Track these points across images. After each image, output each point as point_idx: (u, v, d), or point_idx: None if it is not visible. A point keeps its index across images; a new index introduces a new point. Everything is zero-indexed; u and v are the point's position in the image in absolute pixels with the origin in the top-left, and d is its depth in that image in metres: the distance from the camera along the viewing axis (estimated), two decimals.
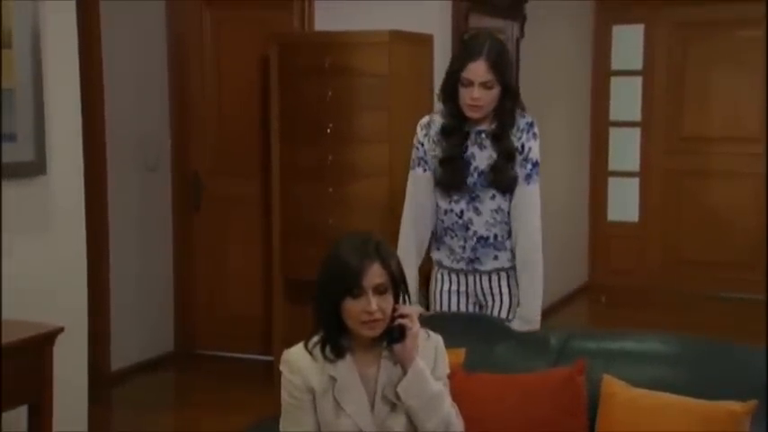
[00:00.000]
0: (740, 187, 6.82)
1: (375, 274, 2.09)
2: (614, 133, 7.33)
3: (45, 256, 3.40)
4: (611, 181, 7.38)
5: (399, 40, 4.44)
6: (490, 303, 3.09)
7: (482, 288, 3.09)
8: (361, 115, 4.44)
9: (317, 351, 2.14)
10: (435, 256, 3.15)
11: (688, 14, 6.99)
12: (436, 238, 3.11)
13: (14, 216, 3.27)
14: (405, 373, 2.13)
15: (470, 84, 2.92)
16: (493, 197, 3.00)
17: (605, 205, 7.40)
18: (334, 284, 2.11)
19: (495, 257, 3.05)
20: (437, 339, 2.23)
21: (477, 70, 2.90)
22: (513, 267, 3.06)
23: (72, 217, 3.53)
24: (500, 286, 3.08)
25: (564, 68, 6.76)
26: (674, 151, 7.14)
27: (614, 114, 7.31)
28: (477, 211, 3.01)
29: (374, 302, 2.08)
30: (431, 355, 2.19)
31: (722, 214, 6.92)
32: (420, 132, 3.07)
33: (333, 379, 2.13)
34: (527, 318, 3.01)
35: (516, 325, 2.97)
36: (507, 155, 2.97)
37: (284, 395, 2.17)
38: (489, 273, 3.07)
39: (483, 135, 2.99)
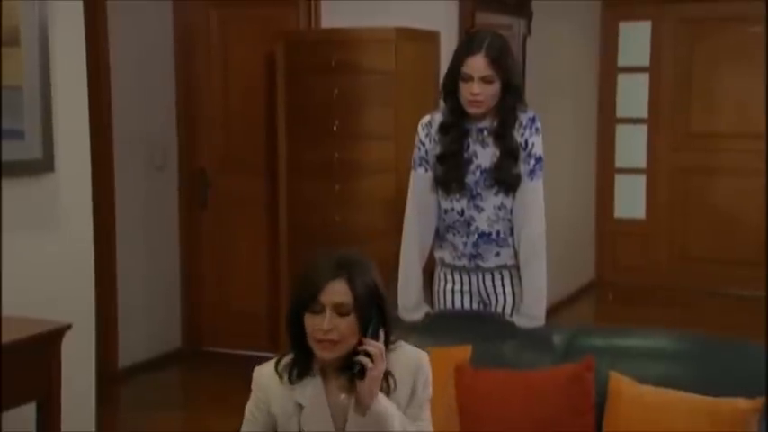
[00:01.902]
0: (748, 184, 6.80)
1: (337, 292, 1.97)
2: (621, 130, 7.31)
3: (52, 253, 3.41)
4: (618, 178, 7.37)
5: (406, 37, 4.44)
6: (493, 302, 3.08)
7: (485, 286, 3.08)
8: (368, 112, 4.44)
9: (286, 375, 2.04)
10: (438, 254, 3.14)
11: (695, 11, 6.97)
12: (439, 237, 3.10)
13: (22, 214, 3.28)
14: (363, 414, 1.98)
15: (470, 78, 2.90)
16: (496, 194, 2.99)
17: (612, 202, 7.39)
18: (297, 297, 2.01)
19: (497, 254, 3.04)
20: (419, 358, 2.08)
21: (477, 65, 2.89)
22: (516, 265, 3.05)
23: (79, 215, 3.54)
24: (503, 285, 3.06)
25: (571, 65, 6.74)
26: (681, 148, 7.12)
27: (621, 111, 7.29)
28: (479, 209, 3.00)
29: (328, 321, 1.95)
30: (409, 372, 2.04)
31: (730, 211, 6.90)
32: (421, 132, 3.06)
33: (299, 406, 2.02)
34: (531, 314, 3.00)
35: (520, 321, 2.96)
36: (510, 153, 2.95)
37: (248, 406, 2.10)
38: (492, 271, 3.06)
39: (485, 133, 2.97)
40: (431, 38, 4.64)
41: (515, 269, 3.05)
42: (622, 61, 7.27)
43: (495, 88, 2.92)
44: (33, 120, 3.28)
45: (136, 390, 4.89)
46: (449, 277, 3.11)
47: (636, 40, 7.20)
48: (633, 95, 7.22)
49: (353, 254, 2.05)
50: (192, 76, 5.30)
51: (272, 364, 2.08)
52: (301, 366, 2.03)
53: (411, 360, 2.07)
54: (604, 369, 2.44)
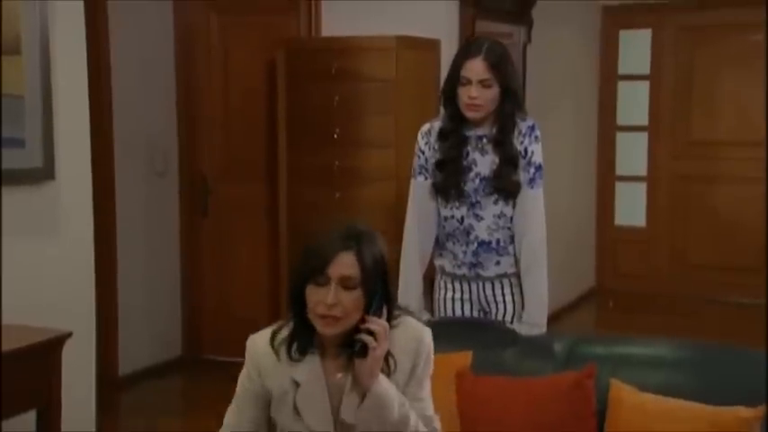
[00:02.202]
0: (748, 191, 6.80)
1: (345, 265, 1.88)
2: (621, 138, 7.32)
3: (53, 260, 3.41)
4: (619, 185, 7.37)
5: (406, 45, 4.44)
6: (494, 310, 3.08)
7: (485, 295, 3.08)
8: (368, 120, 4.44)
9: (283, 350, 1.95)
10: (438, 262, 3.14)
11: (695, 19, 6.98)
12: (439, 245, 3.10)
13: (23, 221, 3.28)
14: (363, 396, 1.90)
15: (468, 82, 2.91)
16: (496, 202, 2.99)
17: (612, 210, 7.39)
18: (301, 268, 1.92)
19: (498, 263, 3.04)
20: (422, 333, 2.00)
21: (475, 68, 2.90)
22: (516, 274, 3.05)
23: (80, 222, 3.54)
24: (503, 293, 3.07)
25: (571, 73, 6.75)
26: (681, 155, 7.12)
27: (621, 119, 7.30)
28: (478, 218, 3.00)
29: (333, 294, 1.86)
30: (410, 348, 1.97)
31: (730, 218, 6.90)
32: (421, 140, 3.07)
33: (295, 383, 1.94)
34: (532, 322, 3.00)
35: (521, 329, 2.97)
36: (510, 160, 2.95)
37: (240, 377, 2.03)
38: (492, 280, 3.06)
39: (484, 140, 2.98)
40: (431, 46, 4.64)
41: (516, 278, 3.05)
42: (623, 69, 7.28)
43: (493, 92, 2.92)
44: (34, 128, 3.29)
45: (136, 397, 4.88)
46: (449, 285, 3.11)
47: (636, 47, 7.21)
48: (633, 103, 7.23)
49: (362, 225, 1.97)
50: (193, 83, 5.30)
51: (266, 335, 1.99)
52: (300, 342, 1.94)
53: (413, 336, 1.99)
54: (605, 377, 2.44)
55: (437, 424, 2.03)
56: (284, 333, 1.98)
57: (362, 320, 1.90)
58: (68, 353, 3.00)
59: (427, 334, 2.02)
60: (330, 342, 1.95)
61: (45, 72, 3.30)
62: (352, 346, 1.90)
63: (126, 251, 4.93)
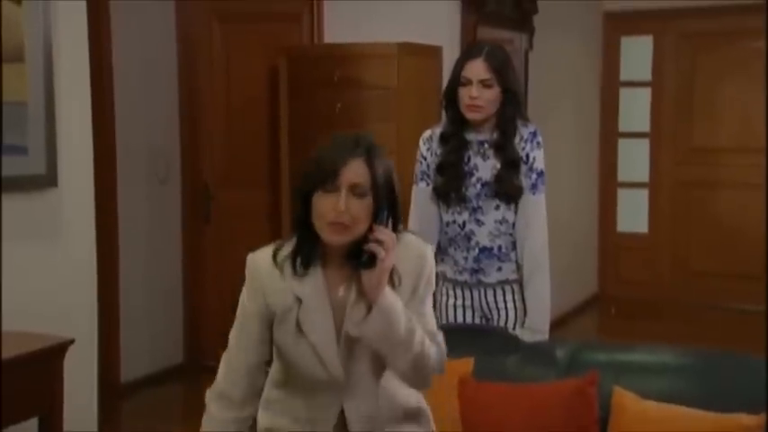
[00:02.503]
0: (750, 198, 6.79)
1: (355, 172, 1.84)
2: (623, 144, 7.33)
3: (55, 267, 3.41)
4: (621, 192, 7.37)
5: (408, 52, 4.45)
6: (495, 317, 3.07)
7: (487, 302, 3.08)
8: (370, 127, 4.44)
9: (287, 266, 1.92)
10: (439, 268, 3.13)
11: (696, 25, 6.99)
12: (440, 251, 3.10)
13: (25, 228, 3.29)
14: (369, 308, 1.85)
15: (469, 82, 2.92)
16: (497, 208, 2.99)
17: (615, 216, 7.39)
18: (311, 175, 1.88)
19: (499, 269, 3.04)
20: (424, 250, 1.97)
21: (476, 68, 2.92)
22: (518, 280, 3.05)
23: (82, 229, 3.55)
24: (505, 300, 3.06)
25: (573, 80, 6.76)
26: (683, 162, 7.12)
27: (623, 125, 7.31)
28: (480, 223, 3.00)
29: (344, 201, 1.82)
30: (412, 265, 1.94)
31: (732, 225, 6.89)
32: (423, 146, 3.07)
33: (298, 300, 1.90)
34: (535, 328, 3.00)
35: (524, 335, 2.97)
36: (511, 163, 2.96)
37: (242, 301, 2.00)
38: (494, 286, 3.06)
39: (486, 145, 2.99)
40: (433, 53, 4.65)
41: (518, 284, 3.05)
42: (624, 75, 7.29)
43: (494, 93, 2.93)
44: (37, 135, 3.29)
45: (138, 404, 4.88)
46: (450, 292, 3.11)
47: (638, 54, 7.22)
48: (635, 109, 7.24)
49: (369, 135, 1.94)
50: (196, 90, 5.31)
51: (267, 252, 1.97)
52: (304, 255, 1.90)
53: (415, 252, 1.96)
54: (608, 384, 2.44)
55: (441, 338, 2.00)
56: (286, 250, 1.94)
57: (370, 231, 1.86)
58: (70, 360, 3.00)
59: (429, 250, 1.99)
60: (334, 254, 1.91)
61: (48, 79, 3.31)
62: (357, 258, 1.86)
63: (128, 258, 4.93)
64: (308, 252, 1.91)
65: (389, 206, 1.91)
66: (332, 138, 1.95)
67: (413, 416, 2.05)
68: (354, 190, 1.85)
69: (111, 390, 4.68)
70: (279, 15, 5.10)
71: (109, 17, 4.73)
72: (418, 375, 1.96)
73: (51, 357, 2.93)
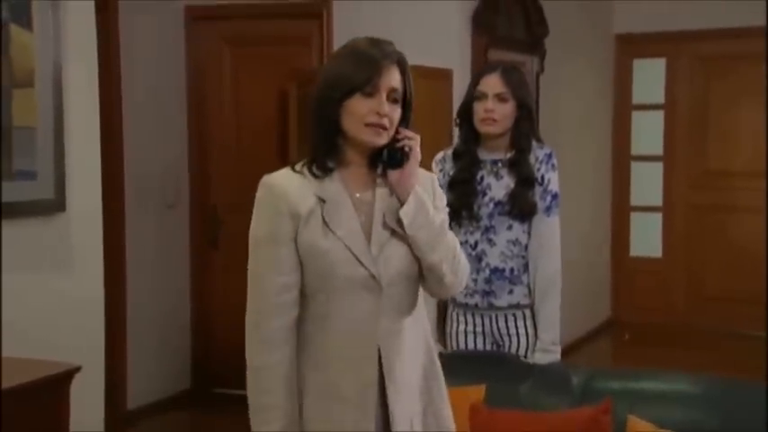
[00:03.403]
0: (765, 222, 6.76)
1: (394, 78, 1.95)
2: (636, 167, 7.32)
3: (63, 293, 3.42)
4: (634, 216, 7.35)
5: (418, 74, 4.39)
6: (507, 343, 3.05)
7: (498, 328, 3.06)
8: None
9: (306, 171, 1.98)
10: None
11: (710, 48, 7.00)
12: None
13: (33, 254, 3.30)
14: (402, 202, 1.95)
15: (484, 96, 2.95)
16: (510, 227, 2.99)
17: (628, 240, 7.37)
18: (345, 78, 1.92)
19: (511, 291, 3.03)
20: (431, 175, 2.11)
21: (492, 82, 2.96)
22: (530, 305, 3.03)
23: (90, 255, 3.56)
24: (517, 326, 3.05)
25: (585, 102, 6.77)
26: (697, 186, 7.11)
27: (636, 148, 7.30)
28: (491, 243, 3.00)
29: (386, 104, 1.93)
30: (428, 187, 2.05)
31: (748, 250, 6.85)
32: (435, 168, 3.08)
33: (321, 200, 1.95)
34: (546, 348, 2.99)
35: (535, 357, 2.97)
36: (525, 180, 2.97)
37: (258, 227, 1.98)
38: (505, 312, 3.04)
39: (499, 164, 3.00)
40: (443, 76, 4.67)
41: (529, 309, 3.04)
42: (637, 98, 7.29)
43: (509, 108, 2.95)
44: (46, 160, 3.31)
45: (145, 431, 4.86)
46: (461, 318, 3.10)
47: (651, 77, 7.22)
48: (648, 133, 7.24)
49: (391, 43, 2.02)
50: (205, 114, 5.34)
51: (283, 170, 2.02)
52: (322, 159, 1.96)
53: (424, 176, 2.07)
54: (622, 412, 2.42)
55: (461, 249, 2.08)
56: (300, 164, 2.00)
57: (397, 133, 1.97)
58: (77, 387, 3.00)
59: (433, 175, 2.14)
60: (355, 162, 1.98)
61: (57, 104, 3.33)
62: (387, 160, 1.96)
63: (136, 283, 4.93)
64: (328, 155, 1.97)
65: (408, 116, 2.02)
66: (354, 43, 1.99)
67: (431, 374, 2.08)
68: (392, 95, 1.95)
69: (118, 417, 4.67)
70: (288, 39, 5.14)
71: (119, 42, 4.76)
72: (453, 271, 2.00)
73: (58, 385, 2.92)
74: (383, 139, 1.95)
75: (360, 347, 1.96)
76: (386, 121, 1.93)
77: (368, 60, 1.93)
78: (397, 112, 1.96)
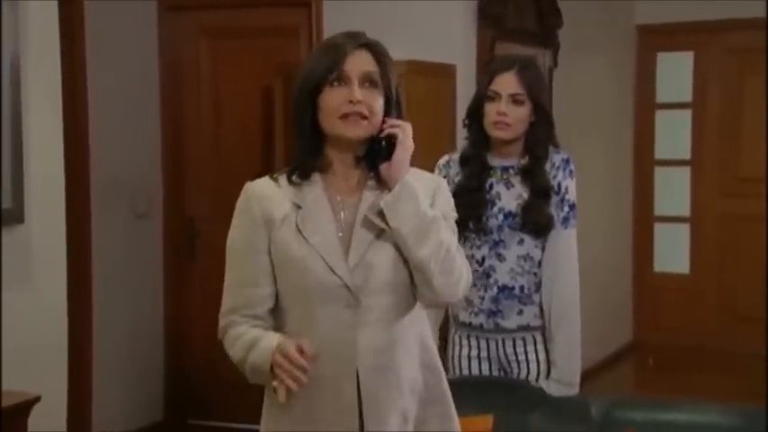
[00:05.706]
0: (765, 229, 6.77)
1: (363, 61, 1.97)
2: (660, 173, 7.34)
3: (21, 312, 3.41)
4: (658, 227, 7.37)
5: (417, 70, 4.48)
6: (515, 370, 3.05)
7: (506, 353, 3.05)
8: None
9: (283, 178, 2.03)
10: (453, 310, 3.12)
11: (743, 39, 7.01)
12: None
13: None
14: (392, 186, 1.99)
15: (498, 96, 2.93)
16: (521, 242, 2.98)
17: (652, 255, 7.38)
18: (311, 71, 1.98)
19: (520, 312, 3.02)
20: (438, 179, 2.15)
21: (507, 81, 2.93)
22: (541, 328, 3.02)
23: (52, 270, 3.56)
24: (526, 352, 3.04)
25: (603, 101, 6.79)
26: (729, 193, 7.12)
27: (660, 152, 7.32)
28: (501, 258, 2.99)
29: (358, 91, 1.94)
30: (429, 190, 2.07)
31: None
32: (438, 173, 3.08)
33: (296, 206, 2.00)
34: (564, 380, 2.98)
35: (550, 388, 2.95)
36: (541, 191, 2.95)
37: (232, 235, 2.05)
38: (513, 335, 3.03)
39: (511, 171, 2.99)
40: (446, 71, 4.68)
41: (540, 333, 3.03)
42: (661, 96, 7.31)
43: (524, 112, 2.94)
44: (2, 165, 3.31)
45: None
46: (464, 342, 3.09)
47: (677, 72, 7.25)
48: (674, 134, 7.26)
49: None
50: (181, 114, 5.34)
51: (264, 178, 2.08)
52: (303, 165, 2.00)
53: (425, 175, 2.12)
54: None
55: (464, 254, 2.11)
56: (282, 171, 2.05)
57: (383, 124, 1.99)
58: (36, 418, 3.00)
59: (440, 179, 2.19)
60: (342, 158, 2.00)
61: (15, 105, 3.34)
62: (373, 154, 1.97)
63: (103, 301, 4.92)
64: (309, 160, 2.00)
65: (396, 102, 2.03)
66: (327, 38, 2.05)
67: (433, 399, 2.08)
68: (366, 79, 1.96)
69: None
70: (273, 30, 5.14)
71: (83, 35, 4.76)
72: (444, 272, 1.99)
73: (14, 416, 2.92)
74: (363, 130, 1.97)
75: (336, 366, 1.97)
76: (362, 108, 1.94)
77: (330, 48, 1.99)
78: (377, 99, 1.97)
